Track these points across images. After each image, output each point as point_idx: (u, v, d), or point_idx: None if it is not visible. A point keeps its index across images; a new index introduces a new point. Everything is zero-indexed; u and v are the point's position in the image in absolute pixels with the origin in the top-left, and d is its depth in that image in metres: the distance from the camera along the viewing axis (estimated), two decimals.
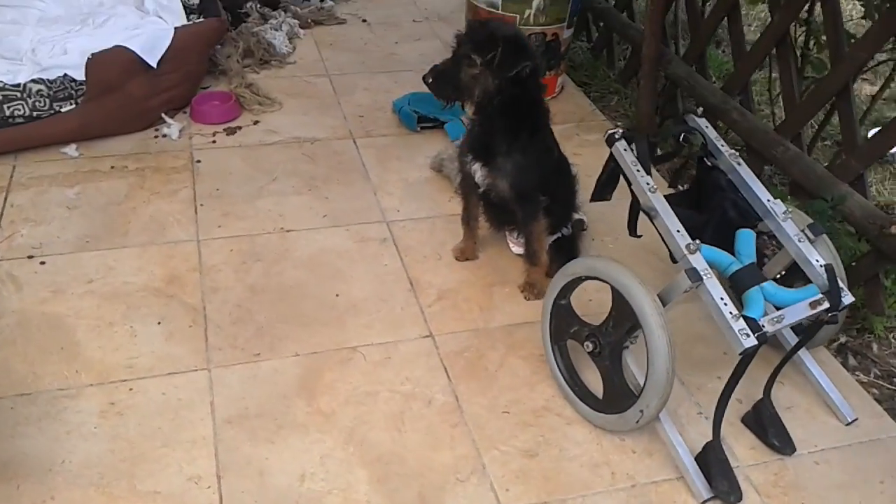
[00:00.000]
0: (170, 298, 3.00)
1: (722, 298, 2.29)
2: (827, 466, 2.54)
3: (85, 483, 2.32)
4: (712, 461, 2.42)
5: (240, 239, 3.34)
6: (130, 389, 2.63)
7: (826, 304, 2.40)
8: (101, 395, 2.60)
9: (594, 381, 2.64)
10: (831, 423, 2.69)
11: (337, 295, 3.07)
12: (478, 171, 2.88)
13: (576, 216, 3.29)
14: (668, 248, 2.46)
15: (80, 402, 2.57)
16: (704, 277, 2.30)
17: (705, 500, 2.38)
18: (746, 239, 2.50)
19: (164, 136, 3.99)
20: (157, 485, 2.33)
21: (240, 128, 4.13)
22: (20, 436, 2.45)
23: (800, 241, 2.51)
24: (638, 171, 2.52)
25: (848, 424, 2.67)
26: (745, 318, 2.26)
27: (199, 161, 3.84)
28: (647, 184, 2.48)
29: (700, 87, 3.90)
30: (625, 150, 2.57)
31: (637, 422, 2.41)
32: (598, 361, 2.51)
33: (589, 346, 2.50)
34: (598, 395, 2.60)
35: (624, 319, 2.41)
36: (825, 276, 2.44)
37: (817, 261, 2.47)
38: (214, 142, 4.00)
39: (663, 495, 2.41)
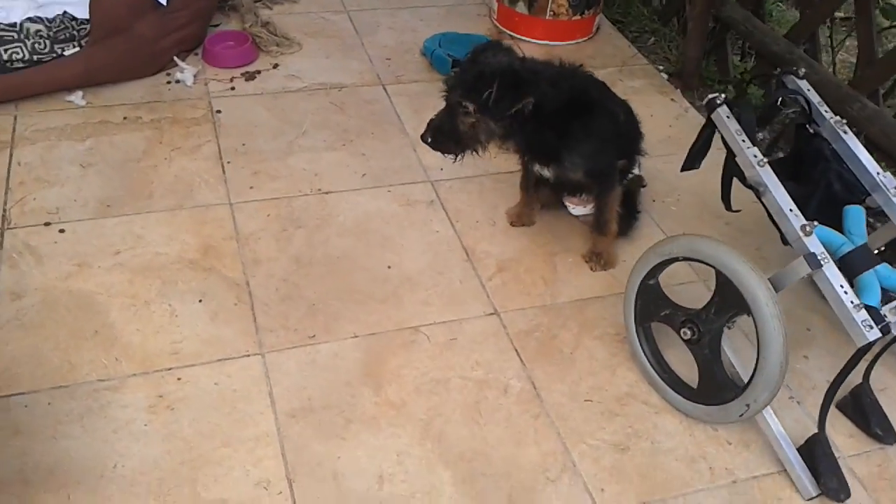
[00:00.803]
0: (208, 272, 2.74)
1: (842, 286, 2.09)
2: None
3: (142, 491, 2.11)
4: (819, 456, 2.26)
5: (276, 202, 3.06)
6: (179, 379, 2.39)
7: None
8: (147, 386, 2.35)
9: (679, 366, 2.45)
10: None
11: (389, 267, 2.83)
12: (543, 171, 2.68)
13: (634, 172, 3.04)
14: (777, 227, 2.23)
15: (125, 394, 2.33)
16: (823, 263, 2.09)
17: (812, 498, 2.22)
18: (856, 216, 2.30)
19: (178, 81, 3.65)
20: (222, 491, 2.12)
21: (258, 72, 3.79)
22: (63, 436, 2.21)
23: None
24: (744, 141, 2.27)
25: None
26: (868, 309, 2.06)
27: (219, 111, 3.51)
28: (755, 156, 2.25)
29: (760, 33, 3.62)
30: (728, 117, 2.32)
31: (741, 415, 2.24)
32: (696, 349, 2.32)
33: (687, 332, 2.31)
34: (688, 384, 2.41)
35: (729, 306, 2.21)
36: None
37: None
38: (233, 88, 3.67)
39: (766, 492, 2.25)
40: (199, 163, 3.22)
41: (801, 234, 2.15)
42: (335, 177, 3.22)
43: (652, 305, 2.45)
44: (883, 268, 2.24)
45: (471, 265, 2.89)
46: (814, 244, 2.13)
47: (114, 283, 2.67)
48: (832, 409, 2.48)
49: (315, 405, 2.37)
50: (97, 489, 2.10)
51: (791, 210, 2.18)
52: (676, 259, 2.33)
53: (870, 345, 2.09)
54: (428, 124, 2.54)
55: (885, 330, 2.08)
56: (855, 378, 2.36)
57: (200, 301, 2.64)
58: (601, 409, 2.44)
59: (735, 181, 2.44)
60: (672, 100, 3.93)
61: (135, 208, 2.97)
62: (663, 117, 3.76)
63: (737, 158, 2.31)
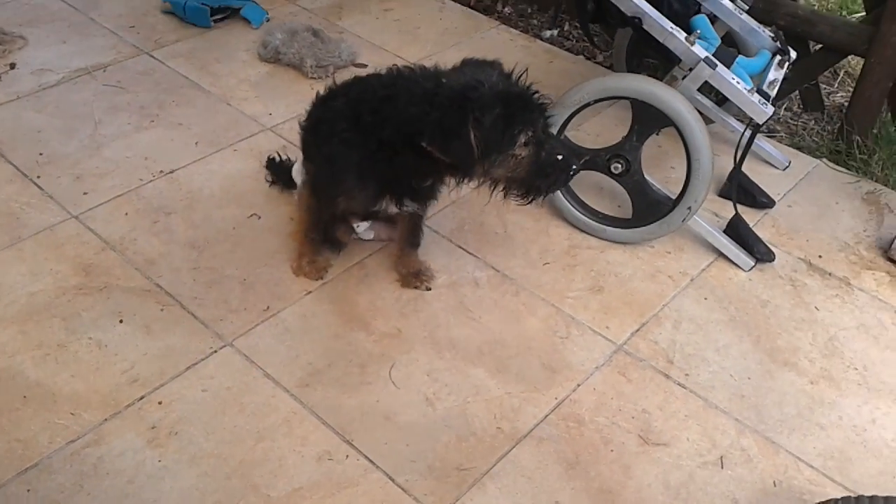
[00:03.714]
0: (106, 290, 2.38)
1: (733, 79, 2.40)
2: (797, 205, 2.88)
3: None
4: (743, 232, 2.62)
5: (125, 198, 2.70)
6: (160, 403, 2.09)
7: (785, 59, 2.63)
8: (129, 424, 2.04)
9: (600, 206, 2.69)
10: (775, 173, 3.03)
11: (291, 218, 2.66)
12: (406, 206, 2.22)
13: None
14: (660, 50, 2.48)
15: (112, 442, 1.99)
16: (717, 63, 2.38)
17: (752, 267, 2.58)
18: (704, 23, 2.62)
19: None
20: (290, 482, 1.94)
21: None
22: None
23: (740, 13, 2.69)
24: None
25: (785, 168, 3.03)
26: (759, 91, 2.40)
27: None
28: None
29: None
30: None
31: (684, 220, 2.50)
32: (626, 179, 2.54)
33: (617, 167, 2.51)
34: (621, 217, 2.63)
35: (650, 127, 2.44)
36: (771, 36, 2.67)
37: (759, 26, 2.67)
38: None
39: (717, 277, 2.57)
40: (3, 189, 2.71)
41: (687, 45, 2.40)
42: (168, 154, 2.91)
43: None
44: (741, 59, 2.59)
45: None
46: (701, 50, 2.40)
47: (4, 343, 2.21)
48: (718, 199, 2.85)
49: (320, 367, 2.22)
50: None
51: (672, 28, 2.42)
52: (587, 105, 2.49)
53: (767, 119, 2.43)
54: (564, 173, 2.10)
55: (773, 104, 2.43)
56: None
57: (121, 322, 2.29)
58: (560, 266, 2.57)
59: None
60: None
61: None
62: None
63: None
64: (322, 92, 2.19)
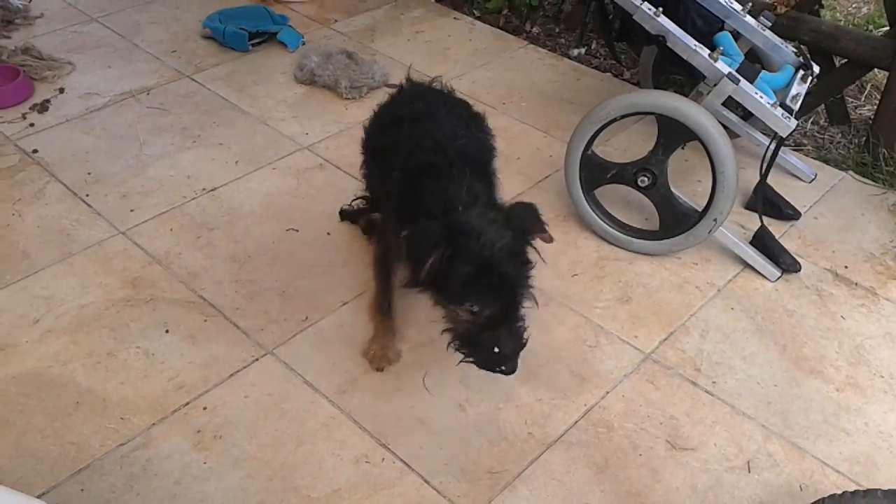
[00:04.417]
0: (152, 302, 2.48)
1: (756, 93, 2.46)
2: (823, 217, 2.92)
3: None
4: (769, 243, 2.67)
5: (169, 215, 2.82)
6: (204, 409, 2.18)
7: (808, 74, 2.69)
8: (175, 428, 2.13)
9: (628, 218, 2.76)
10: (801, 185, 3.07)
11: (328, 234, 2.77)
12: None
13: None
14: (684, 67, 2.54)
15: (160, 445, 2.09)
16: (740, 79, 2.44)
17: (778, 277, 2.62)
18: (728, 40, 2.68)
19: None
20: (329, 483, 2.02)
21: (48, 101, 3.38)
22: None
23: (763, 30, 2.75)
24: None
25: (812, 181, 3.07)
26: (782, 105, 2.46)
27: (35, 150, 3.10)
28: (649, 9, 2.53)
29: None
30: None
31: (710, 231, 2.56)
32: (653, 192, 2.60)
33: (644, 180, 2.57)
34: (647, 229, 2.69)
35: (676, 141, 2.50)
36: (794, 52, 2.73)
37: (783, 42, 2.73)
38: (32, 125, 3.24)
39: (744, 287, 2.62)
40: (54, 206, 2.84)
41: (711, 61, 2.47)
42: (209, 172, 3.02)
43: (597, 172, 2.67)
44: (764, 74, 2.65)
45: None
46: (724, 66, 2.47)
47: (57, 352, 2.32)
48: (745, 211, 2.90)
49: (356, 374, 2.30)
50: None
51: (696, 45, 2.49)
52: (614, 121, 2.56)
53: (791, 133, 2.48)
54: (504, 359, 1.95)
55: (797, 118, 2.49)
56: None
57: (167, 332, 2.39)
58: (589, 277, 2.64)
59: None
60: (454, 18, 4.15)
61: (18, 273, 2.57)
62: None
63: (634, 17, 2.56)
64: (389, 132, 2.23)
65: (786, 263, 2.63)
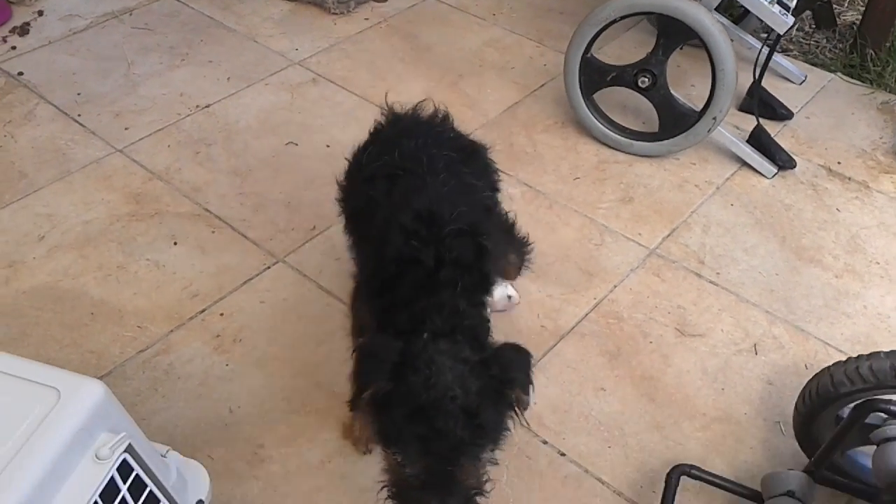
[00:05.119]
0: (157, 216, 2.48)
1: None
2: (815, 117, 2.97)
3: (278, 416, 1.98)
4: (765, 141, 2.71)
5: (165, 132, 2.79)
6: (221, 315, 2.20)
7: None
8: (195, 334, 2.15)
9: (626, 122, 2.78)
10: (792, 87, 3.11)
11: (327, 146, 2.76)
12: None
13: None
14: None
15: (181, 351, 2.11)
16: None
17: (774, 174, 2.68)
18: None
19: None
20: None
21: (29, 24, 3.29)
22: (153, 412, 1.98)
23: None
24: None
25: (802, 82, 3.11)
26: (779, 2, 2.47)
27: (20, 73, 3.03)
28: None
29: None
30: None
31: (709, 130, 2.59)
32: (653, 93, 2.62)
33: (644, 80, 2.59)
34: (646, 131, 2.72)
35: (676, 41, 2.51)
36: None
37: None
38: (14, 48, 3.16)
39: (741, 185, 2.67)
40: (47, 127, 2.79)
41: None
42: (202, 90, 2.99)
43: (596, 75, 2.68)
44: None
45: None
46: None
47: (66, 266, 2.32)
48: (739, 113, 2.93)
49: None
50: (233, 436, 1.93)
51: None
52: (613, 22, 2.56)
53: (787, 30, 2.50)
54: None
55: (793, 14, 2.50)
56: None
57: (176, 244, 2.39)
58: (590, 180, 2.67)
59: None
60: None
61: (17, 193, 2.54)
62: None
63: None
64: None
65: (782, 160, 2.68)
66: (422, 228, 1.54)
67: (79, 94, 2.92)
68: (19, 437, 1.20)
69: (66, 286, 2.25)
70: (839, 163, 2.75)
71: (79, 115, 2.82)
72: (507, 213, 1.96)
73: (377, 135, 1.86)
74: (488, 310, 1.66)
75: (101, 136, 2.74)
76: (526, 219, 2.48)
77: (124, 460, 1.28)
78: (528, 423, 1.56)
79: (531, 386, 1.46)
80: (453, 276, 1.51)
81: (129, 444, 1.26)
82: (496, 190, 1.91)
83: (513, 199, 2.58)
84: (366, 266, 1.74)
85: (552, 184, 2.63)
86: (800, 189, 2.65)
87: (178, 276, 2.29)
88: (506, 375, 1.42)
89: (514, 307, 2.24)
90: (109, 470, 1.22)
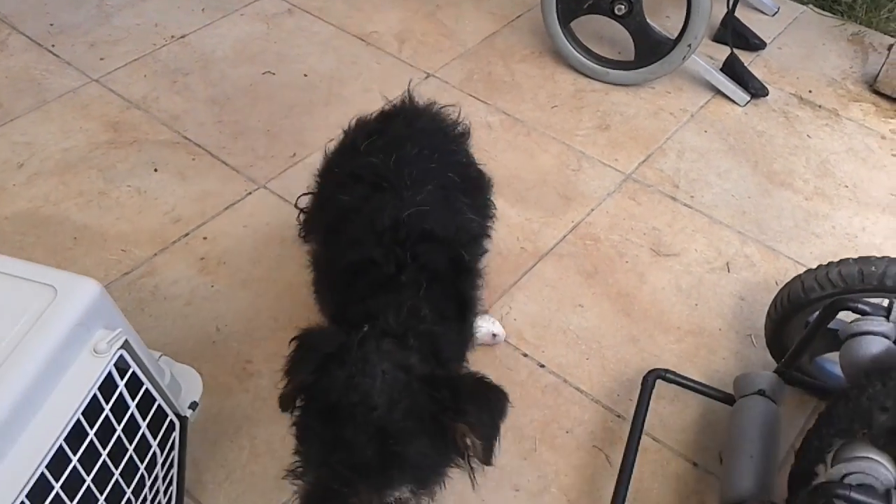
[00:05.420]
0: (136, 144, 2.48)
1: None
2: (787, 47, 3.02)
3: (265, 335, 2.02)
4: (738, 70, 2.76)
5: (141, 62, 2.77)
6: (205, 238, 2.23)
7: None
8: (179, 257, 2.17)
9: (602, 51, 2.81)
10: (764, 18, 3.15)
11: (305, 75, 2.76)
12: None
13: None
14: None
15: (165, 272, 2.13)
16: None
17: (747, 102, 2.73)
18: None
19: None
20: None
21: None
22: (143, 329, 1.99)
23: None
24: None
25: (774, 14, 3.15)
26: None
27: None
28: None
29: None
30: None
31: (684, 58, 2.63)
32: (629, 21, 2.64)
33: (621, 8, 2.61)
34: (622, 59, 2.75)
35: None
36: None
37: None
38: None
39: (715, 112, 2.72)
40: (20, 57, 2.76)
41: None
42: (176, 20, 2.96)
43: (573, 3, 2.70)
44: None
45: (374, 48, 2.90)
46: None
47: (47, 193, 2.32)
48: (713, 44, 2.97)
49: None
50: (221, 352, 1.97)
51: None
52: None
53: None
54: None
55: None
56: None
57: (156, 170, 2.40)
58: (568, 108, 2.70)
59: None
60: None
61: None
62: None
63: None
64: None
65: (754, 88, 2.73)
66: (396, 231, 1.37)
67: (51, 24, 2.88)
68: (17, 332, 1.22)
69: (47, 212, 2.25)
70: (810, 91, 2.80)
71: (52, 46, 2.79)
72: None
73: (386, 122, 1.65)
74: (472, 333, 1.47)
75: (76, 67, 2.71)
76: (504, 146, 2.52)
77: (121, 356, 1.31)
78: (475, 483, 1.24)
79: (496, 438, 1.15)
80: (418, 279, 1.32)
81: (126, 341, 1.29)
82: (487, 235, 1.71)
83: (491, 126, 2.61)
84: (325, 257, 1.57)
85: (530, 112, 2.66)
86: (772, 116, 2.70)
87: (160, 202, 2.30)
88: (456, 405, 1.14)
89: (499, 345, 1.99)
90: (107, 364, 1.25)
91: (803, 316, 1.75)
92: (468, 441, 1.15)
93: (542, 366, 1.98)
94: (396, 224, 1.37)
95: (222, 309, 2.05)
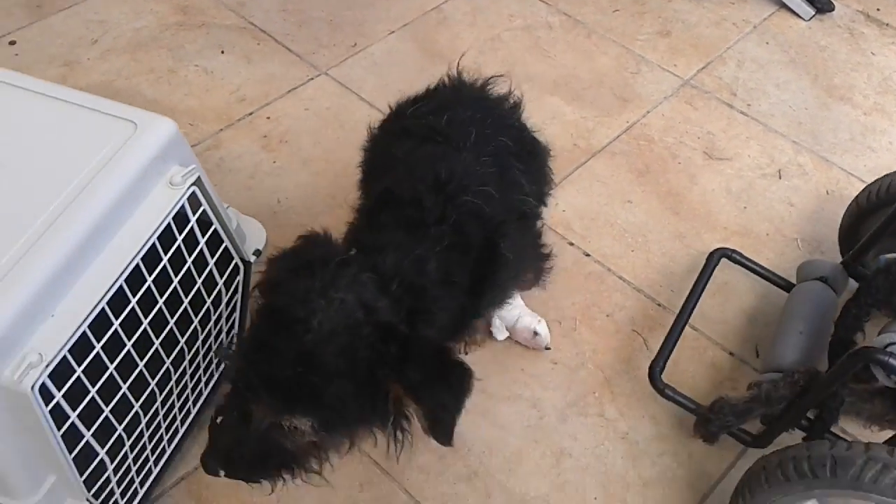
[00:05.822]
0: (205, 27, 2.54)
1: None
2: None
3: (307, 219, 2.10)
4: None
5: None
6: (268, 118, 2.30)
7: None
8: (243, 133, 2.25)
9: None
10: None
11: None
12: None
13: None
14: None
15: (231, 146, 2.22)
16: None
17: (812, 17, 2.69)
18: None
19: None
20: None
21: None
22: None
23: None
24: None
25: None
26: None
27: None
28: None
29: None
30: None
31: None
32: None
33: None
34: None
35: None
36: None
37: None
38: None
39: (779, 25, 2.69)
40: None
41: None
42: None
43: None
44: None
45: None
46: None
47: (119, 68, 2.41)
48: None
49: (409, 93, 2.39)
50: (282, 222, 2.06)
51: None
52: None
53: None
54: (209, 451, 1.19)
55: None
56: None
57: (223, 52, 2.47)
58: (629, 13, 2.70)
59: None
60: None
61: (68, 0, 2.60)
62: None
63: None
64: None
65: (820, 3, 2.70)
66: (448, 183, 1.27)
67: None
68: (100, 159, 1.32)
69: (119, 85, 2.34)
70: (878, 9, 2.75)
71: None
72: (540, 227, 1.64)
73: (434, 93, 1.60)
74: (493, 321, 1.38)
75: None
76: (564, 46, 2.54)
77: (193, 195, 1.39)
78: (393, 453, 1.17)
79: (450, 415, 1.07)
80: (442, 238, 1.22)
81: (199, 178, 1.38)
82: (543, 203, 1.63)
83: (552, 27, 2.62)
84: (369, 186, 1.54)
85: (591, 14, 2.67)
86: (836, 32, 2.67)
87: (227, 82, 2.38)
88: (399, 365, 1.06)
89: (541, 347, 1.81)
90: (183, 195, 1.34)
91: (885, 212, 1.73)
92: (407, 409, 1.09)
93: (588, 255, 2.03)
94: (451, 176, 1.28)
95: (283, 183, 2.13)
